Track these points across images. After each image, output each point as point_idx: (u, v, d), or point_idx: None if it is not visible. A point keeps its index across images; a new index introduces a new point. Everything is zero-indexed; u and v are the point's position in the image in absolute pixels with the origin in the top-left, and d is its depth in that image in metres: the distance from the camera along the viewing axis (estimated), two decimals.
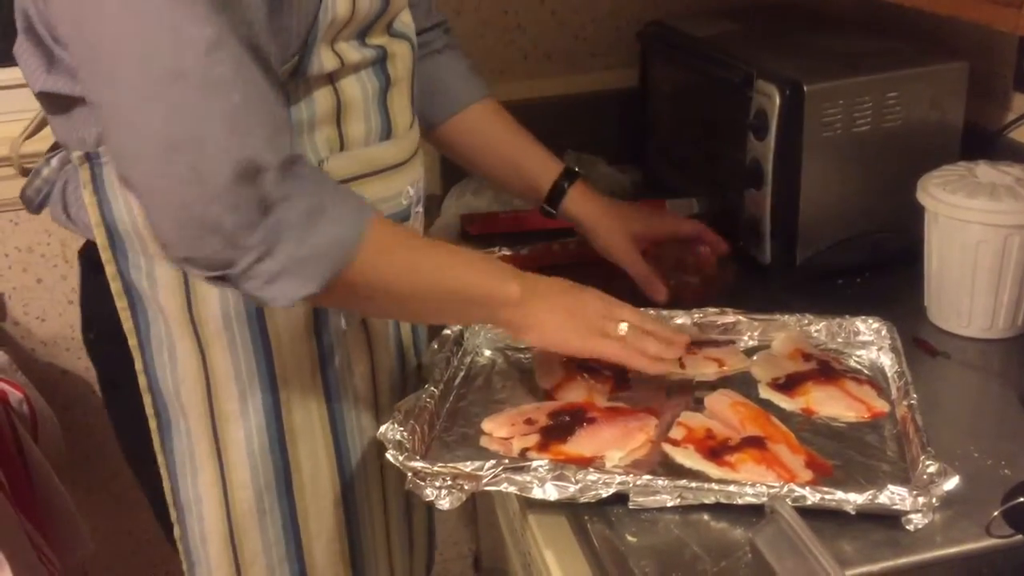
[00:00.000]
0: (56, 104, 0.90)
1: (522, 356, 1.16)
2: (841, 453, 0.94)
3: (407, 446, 0.94)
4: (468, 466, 0.90)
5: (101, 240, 0.93)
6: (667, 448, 0.96)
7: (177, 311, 0.94)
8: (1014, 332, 1.12)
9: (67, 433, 1.63)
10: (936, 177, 1.12)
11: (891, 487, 0.84)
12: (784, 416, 1.00)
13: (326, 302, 0.91)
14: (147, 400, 0.98)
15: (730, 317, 1.16)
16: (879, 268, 1.29)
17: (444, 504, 0.91)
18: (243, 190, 0.76)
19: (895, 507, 0.84)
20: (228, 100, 0.75)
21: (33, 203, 1.00)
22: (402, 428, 0.96)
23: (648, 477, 0.88)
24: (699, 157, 1.45)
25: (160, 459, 1.00)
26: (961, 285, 1.10)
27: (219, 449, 0.99)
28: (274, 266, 0.80)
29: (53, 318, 1.66)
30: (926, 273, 1.16)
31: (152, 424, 0.99)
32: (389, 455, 0.93)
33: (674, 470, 0.93)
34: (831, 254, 1.27)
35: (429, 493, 0.91)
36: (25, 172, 1.02)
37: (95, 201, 0.91)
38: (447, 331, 1.16)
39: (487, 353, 1.17)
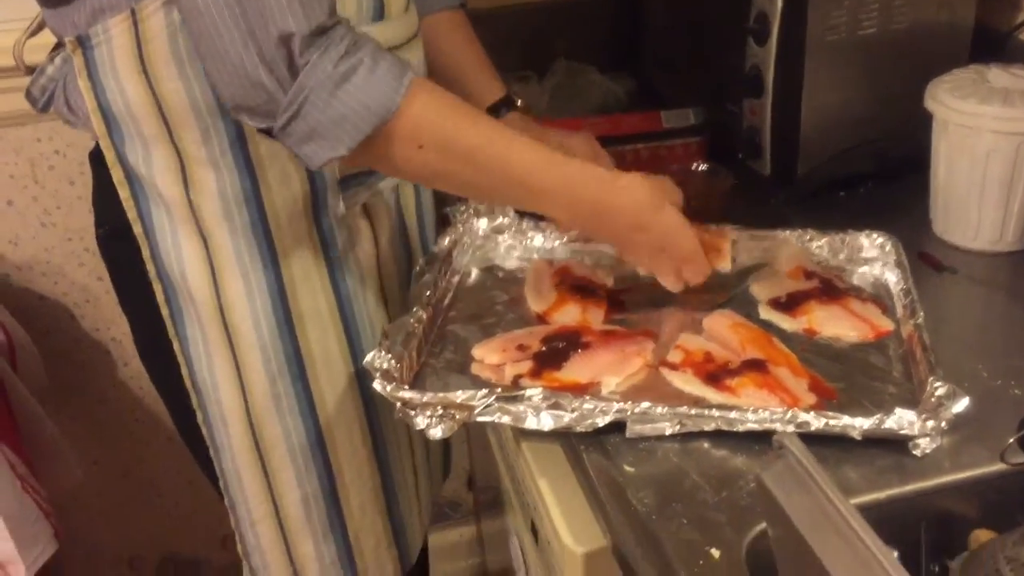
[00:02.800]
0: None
1: (515, 273, 1.12)
2: (845, 375, 0.91)
3: (395, 375, 0.91)
4: (459, 396, 0.87)
5: (99, 126, 0.92)
6: (665, 373, 0.93)
7: (176, 196, 0.94)
8: (1022, 245, 1.08)
9: (47, 360, 1.59)
10: (945, 82, 1.07)
11: (898, 411, 0.81)
12: (785, 337, 0.97)
13: (365, 161, 0.92)
14: (157, 288, 0.99)
15: (728, 234, 1.11)
16: (883, 179, 1.24)
17: (436, 433, 0.88)
18: (277, 52, 0.79)
19: (902, 432, 0.81)
20: None
21: (39, 102, 0.99)
22: (389, 355, 0.92)
23: (646, 404, 0.85)
24: (696, 64, 1.38)
25: (176, 346, 1.01)
26: (969, 196, 1.06)
27: (229, 334, 0.99)
28: (304, 127, 0.82)
29: (26, 241, 1.60)
30: (932, 184, 1.11)
31: (164, 312, 1.00)
32: (376, 385, 0.90)
33: (672, 396, 0.90)
34: (833, 165, 1.22)
35: (420, 422, 0.88)
36: (30, 71, 1.01)
37: (90, 86, 0.90)
38: (434, 248, 1.12)
39: (475, 272, 1.12)
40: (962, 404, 0.82)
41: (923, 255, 1.09)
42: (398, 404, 0.89)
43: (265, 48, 0.79)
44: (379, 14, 0.94)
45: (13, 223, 1.59)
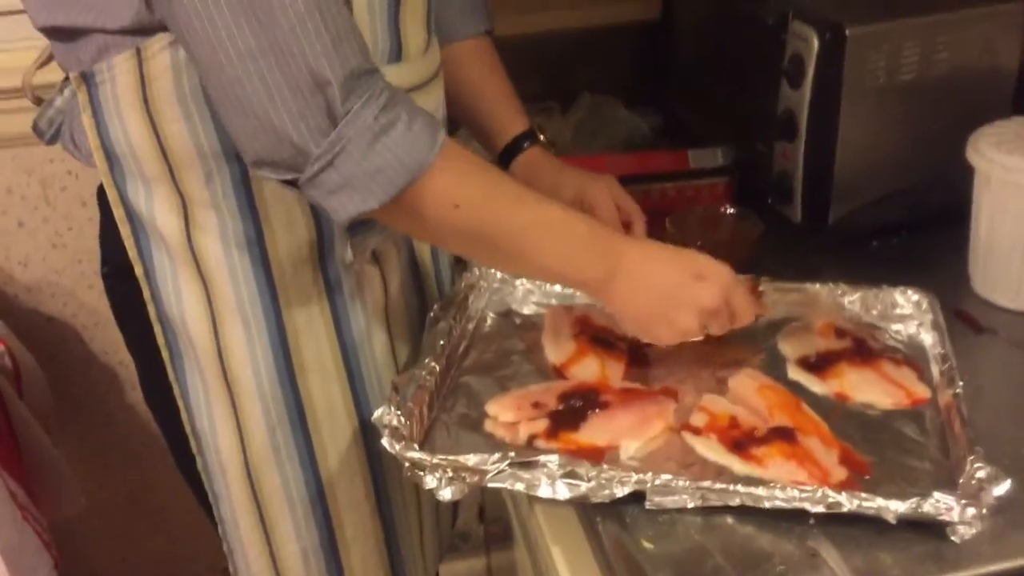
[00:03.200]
0: (58, 34, 0.87)
1: (532, 320, 1.07)
2: (878, 447, 0.86)
3: (404, 432, 0.87)
4: (471, 459, 0.83)
5: (101, 164, 0.90)
6: (687, 437, 0.88)
7: (177, 238, 0.91)
8: None
9: (54, 383, 1.56)
10: (989, 135, 1.02)
11: (937, 495, 0.76)
12: (815, 401, 0.92)
13: (389, 220, 0.89)
14: (157, 330, 0.96)
15: (757, 286, 1.06)
16: (918, 229, 1.19)
17: (446, 495, 0.84)
18: (310, 100, 0.77)
19: (940, 517, 0.76)
20: (293, 7, 0.75)
21: (45, 134, 0.98)
22: (399, 412, 0.88)
23: (667, 477, 0.80)
24: (725, 103, 1.33)
25: (176, 390, 0.98)
26: (1012, 255, 1.01)
27: (228, 381, 0.96)
28: (336, 178, 0.80)
29: (36, 263, 1.57)
30: (973, 239, 1.06)
31: (164, 355, 0.97)
32: (384, 442, 0.86)
33: (695, 463, 0.85)
34: (867, 213, 1.17)
35: (429, 482, 0.84)
36: (38, 102, 0.99)
37: (93, 124, 0.88)
38: (450, 292, 1.08)
39: (491, 318, 1.08)
40: (1004, 487, 0.77)
41: (961, 314, 1.04)
42: (406, 463, 0.85)
43: (297, 99, 0.77)
44: (396, 56, 0.91)
45: (24, 244, 1.56)
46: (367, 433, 1.01)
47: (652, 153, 1.29)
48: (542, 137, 1.14)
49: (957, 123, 1.08)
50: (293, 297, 0.94)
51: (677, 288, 0.90)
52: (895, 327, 1.03)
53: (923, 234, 1.19)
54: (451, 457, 0.84)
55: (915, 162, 1.16)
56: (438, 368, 0.95)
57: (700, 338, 0.95)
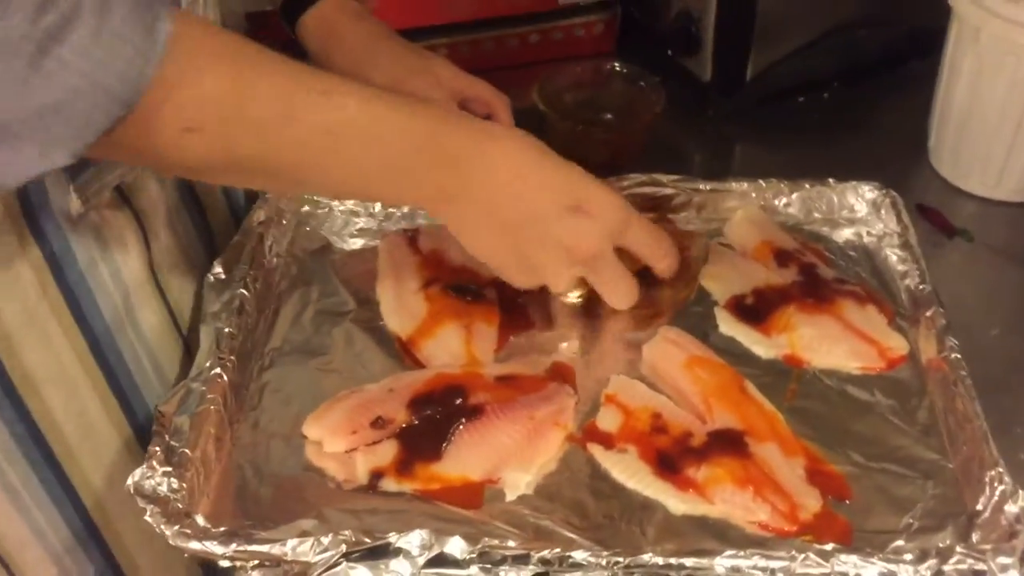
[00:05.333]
0: None
1: (360, 257, 0.76)
2: (854, 444, 0.63)
3: (179, 501, 0.57)
4: (287, 547, 0.55)
5: None
6: (596, 453, 0.62)
7: None
8: None
9: None
10: None
11: (960, 550, 0.54)
12: (760, 372, 0.67)
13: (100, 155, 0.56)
14: None
15: (662, 187, 0.78)
16: (852, 80, 0.92)
17: None
18: None
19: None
20: None
21: None
22: (167, 467, 0.58)
23: (584, 555, 0.55)
24: None
25: None
26: (998, 132, 0.76)
27: None
28: None
29: None
30: (940, 109, 0.80)
31: None
32: (149, 519, 0.56)
33: (612, 495, 0.60)
34: (792, 65, 0.89)
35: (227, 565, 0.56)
36: None
37: None
38: (237, 236, 0.75)
39: (300, 262, 0.76)
40: None
41: (924, 210, 0.80)
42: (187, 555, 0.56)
43: None
44: None
45: None
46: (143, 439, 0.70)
47: None
48: None
49: None
50: None
51: (540, 221, 0.62)
52: (846, 235, 0.78)
53: (856, 87, 0.92)
54: (254, 548, 0.55)
55: None
56: (226, 373, 0.64)
57: (575, 294, 0.70)
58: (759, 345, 0.69)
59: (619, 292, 0.66)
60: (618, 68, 0.87)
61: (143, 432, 0.71)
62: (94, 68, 0.47)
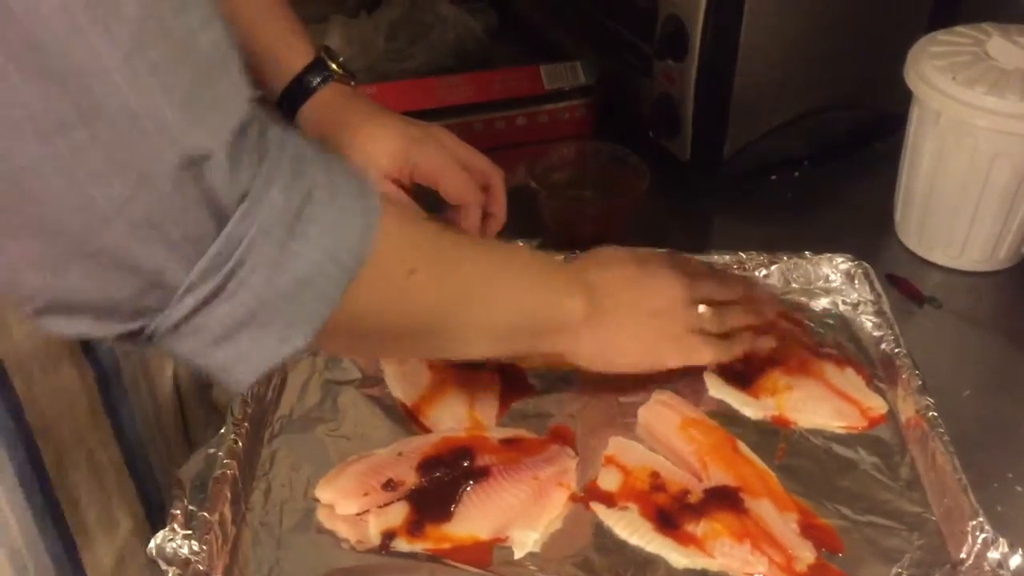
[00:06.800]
0: None
1: None
2: (842, 499, 0.66)
3: (200, 562, 0.59)
4: None
5: None
6: (599, 511, 0.65)
7: None
8: (1011, 262, 0.86)
9: None
10: (937, 55, 0.80)
11: None
12: (751, 433, 0.71)
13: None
14: None
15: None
16: (820, 159, 0.98)
17: None
18: (172, 189, 0.41)
19: None
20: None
21: None
22: (187, 532, 0.60)
23: None
24: None
25: None
26: (960, 207, 0.81)
27: None
28: (233, 313, 0.45)
29: None
30: (906, 185, 0.86)
31: None
32: None
33: (614, 548, 0.63)
34: (766, 145, 0.94)
35: None
36: None
37: None
38: None
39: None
40: (1015, 560, 0.59)
41: (894, 279, 0.85)
42: None
43: (147, 191, 0.40)
44: None
45: None
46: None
47: (493, 72, 1.00)
48: (334, 66, 0.82)
49: (871, 33, 0.86)
50: (47, 409, 0.61)
51: (648, 291, 0.70)
52: (823, 303, 0.82)
53: (824, 165, 0.98)
54: None
55: (821, 81, 0.93)
56: (241, 445, 0.66)
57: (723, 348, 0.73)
58: (748, 407, 0.73)
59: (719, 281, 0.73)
60: (603, 147, 0.92)
61: (153, 513, 0.73)
62: (334, 241, 0.47)
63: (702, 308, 0.71)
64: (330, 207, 0.47)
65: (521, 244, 0.70)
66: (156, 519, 0.71)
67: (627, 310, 0.68)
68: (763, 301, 0.76)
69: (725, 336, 0.72)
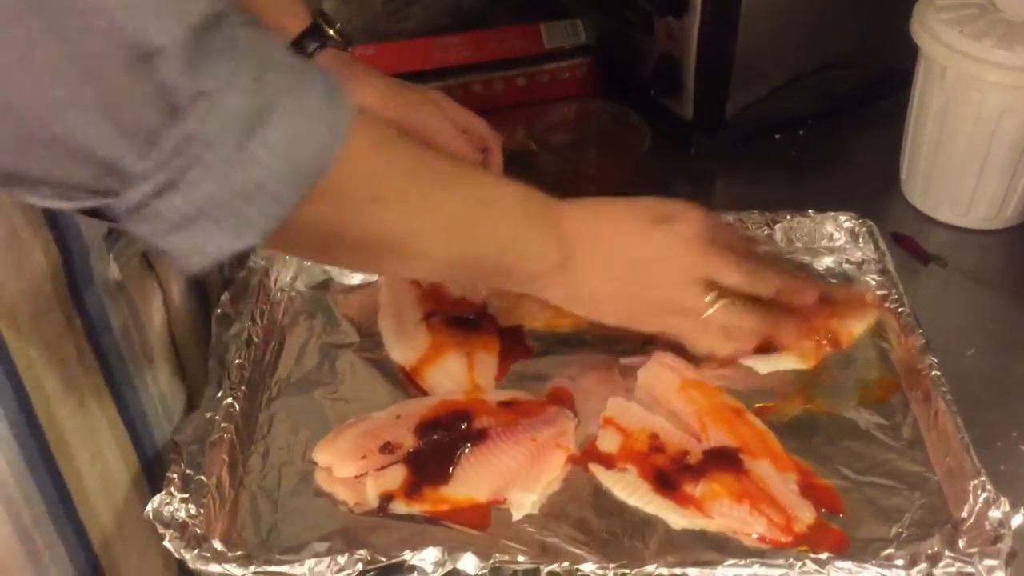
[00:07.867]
0: None
1: (361, 291, 0.79)
2: (841, 458, 0.65)
3: (197, 526, 0.59)
4: (303, 566, 0.57)
5: None
6: (598, 472, 0.65)
7: None
8: (1017, 220, 0.84)
9: None
10: (943, 8, 0.78)
11: (948, 556, 0.56)
12: (750, 389, 0.70)
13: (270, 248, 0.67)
14: None
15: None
16: (826, 118, 0.97)
17: None
18: (124, 82, 0.43)
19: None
20: None
21: None
22: (185, 494, 0.60)
23: (591, 567, 0.57)
24: None
25: None
26: (967, 164, 0.80)
27: None
28: (183, 206, 0.47)
29: None
30: (911, 142, 0.85)
31: None
32: (169, 547, 0.58)
33: (614, 511, 0.62)
34: (769, 104, 0.93)
35: None
36: None
37: None
38: (241, 272, 0.77)
39: (303, 296, 0.79)
40: (1017, 519, 0.59)
41: (899, 238, 0.84)
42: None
43: (99, 83, 0.42)
44: None
45: None
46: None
47: (492, 31, 0.98)
48: (331, 32, 0.81)
49: None
50: (38, 357, 0.61)
51: (642, 244, 0.66)
52: (826, 262, 0.81)
53: (829, 123, 0.97)
54: (272, 569, 0.57)
55: (825, 38, 0.91)
56: (238, 407, 0.66)
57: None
58: (760, 363, 0.71)
59: (749, 272, 0.68)
60: (603, 107, 0.91)
61: (151, 469, 0.73)
62: (293, 149, 0.48)
63: (709, 297, 0.67)
64: (295, 116, 0.48)
65: (515, 183, 0.66)
66: (154, 471, 0.71)
67: (603, 263, 0.66)
68: (800, 311, 0.70)
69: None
